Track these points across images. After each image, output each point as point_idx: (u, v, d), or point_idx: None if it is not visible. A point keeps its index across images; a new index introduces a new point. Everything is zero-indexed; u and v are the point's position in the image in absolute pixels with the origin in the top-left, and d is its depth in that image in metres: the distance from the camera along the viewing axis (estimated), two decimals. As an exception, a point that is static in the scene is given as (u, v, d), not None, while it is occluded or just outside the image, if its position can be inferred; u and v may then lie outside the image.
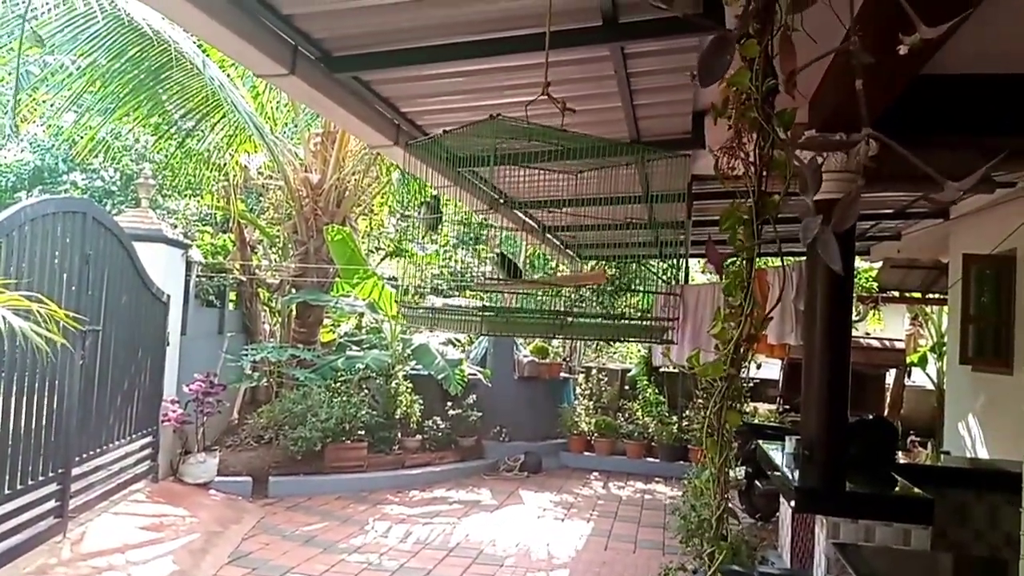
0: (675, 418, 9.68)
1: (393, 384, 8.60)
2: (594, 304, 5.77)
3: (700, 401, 8.76)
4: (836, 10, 1.23)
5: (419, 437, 8.52)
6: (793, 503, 3.47)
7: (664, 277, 2.67)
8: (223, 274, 8.95)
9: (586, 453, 9.65)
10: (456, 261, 10.00)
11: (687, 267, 7.18)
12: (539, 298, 3.02)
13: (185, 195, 12.03)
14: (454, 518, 6.76)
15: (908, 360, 10.33)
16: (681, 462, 8.98)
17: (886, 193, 5.64)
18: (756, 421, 7.66)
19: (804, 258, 4.71)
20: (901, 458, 4.39)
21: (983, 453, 6.09)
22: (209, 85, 7.30)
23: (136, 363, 6.48)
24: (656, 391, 10.08)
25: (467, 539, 6.13)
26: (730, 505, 1.51)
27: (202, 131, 8.34)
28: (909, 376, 10.63)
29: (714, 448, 1.44)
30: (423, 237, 10.07)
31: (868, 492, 3.50)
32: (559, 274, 7.85)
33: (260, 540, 5.78)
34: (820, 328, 3.73)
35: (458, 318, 2.46)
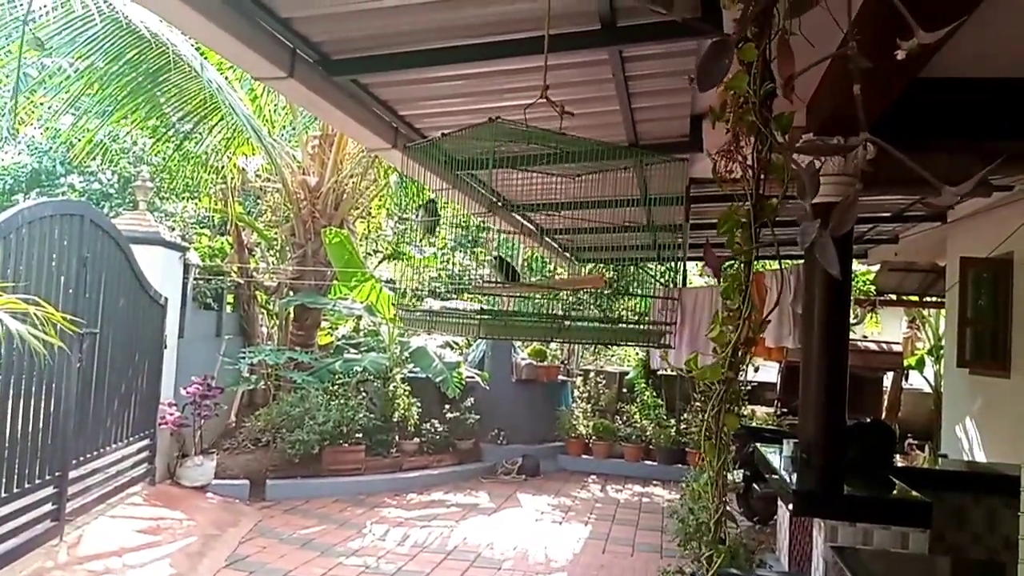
0: (673, 421, 9.68)
1: (391, 387, 8.59)
2: (592, 307, 5.76)
3: (698, 404, 8.78)
4: (834, 14, 1.24)
5: (417, 440, 8.52)
6: (791, 506, 3.46)
7: (662, 280, 2.68)
8: (221, 277, 8.93)
9: (584, 456, 9.64)
10: (454, 264, 10.00)
11: (685, 270, 7.19)
12: (537, 301, 3.02)
13: (183, 198, 12.02)
14: (452, 521, 6.76)
15: (906, 363, 10.34)
16: (679, 465, 8.96)
17: (884, 197, 5.65)
18: (754, 424, 7.67)
19: (802, 261, 4.71)
20: (899, 461, 4.38)
21: (981, 456, 6.09)
22: (207, 88, 7.29)
23: (133, 366, 6.46)
24: (654, 394, 10.07)
25: (465, 542, 6.12)
26: (728, 508, 1.51)
27: (200, 134, 8.34)
28: (906, 379, 10.63)
29: (712, 451, 1.44)
30: (421, 240, 10.06)
31: (866, 495, 3.49)
32: (557, 277, 7.85)
33: (257, 543, 5.77)
34: (818, 331, 3.73)
35: (456, 321, 2.45)
